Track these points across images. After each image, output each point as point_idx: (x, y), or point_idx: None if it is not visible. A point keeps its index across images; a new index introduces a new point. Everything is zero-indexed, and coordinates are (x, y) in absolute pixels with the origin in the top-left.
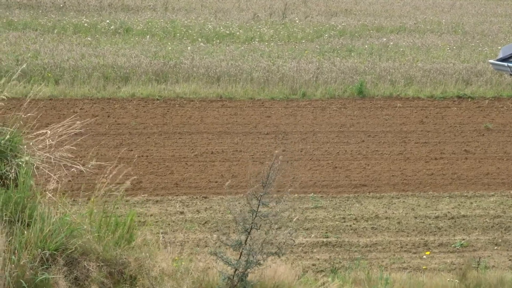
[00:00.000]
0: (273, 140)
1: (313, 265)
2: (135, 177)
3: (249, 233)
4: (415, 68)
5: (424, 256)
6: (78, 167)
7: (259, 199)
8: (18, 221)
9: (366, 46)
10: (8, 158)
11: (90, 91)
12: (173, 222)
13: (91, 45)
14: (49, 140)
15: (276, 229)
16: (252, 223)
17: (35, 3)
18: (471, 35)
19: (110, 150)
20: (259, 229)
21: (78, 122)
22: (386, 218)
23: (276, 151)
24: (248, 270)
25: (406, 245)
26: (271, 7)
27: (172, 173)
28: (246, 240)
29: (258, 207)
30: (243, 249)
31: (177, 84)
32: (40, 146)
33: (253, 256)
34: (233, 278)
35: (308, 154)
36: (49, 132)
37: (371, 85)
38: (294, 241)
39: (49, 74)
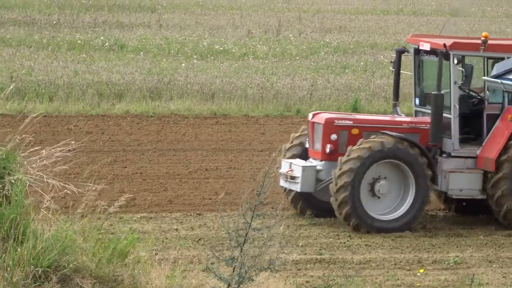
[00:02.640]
0: (268, 157)
1: (307, 282)
2: (130, 195)
3: (242, 247)
4: (409, 85)
5: (418, 274)
6: (70, 187)
7: (253, 209)
8: (11, 238)
9: (361, 63)
10: (2, 175)
11: (84, 108)
12: (167, 239)
13: (85, 62)
14: (43, 160)
15: (269, 245)
16: (246, 236)
17: (30, 20)
18: None
19: (104, 167)
20: (252, 242)
21: (72, 142)
22: (380, 235)
23: (274, 154)
24: (241, 285)
25: (400, 262)
26: (265, 24)
27: (166, 190)
28: (239, 255)
29: (252, 218)
30: (235, 264)
31: (171, 101)
32: (34, 164)
33: (246, 271)
34: None
35: None
36: (44, 152)
37: (366, 102)
38: (287, 255)
39: (43, 91)
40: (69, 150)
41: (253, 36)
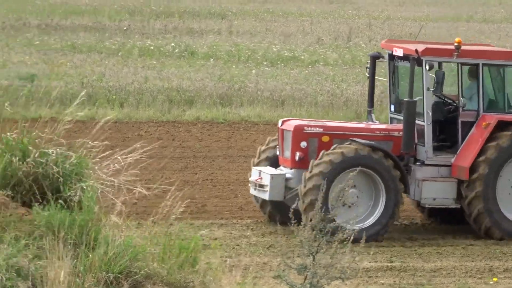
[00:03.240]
0: None
1: None
2: (199, 200)
3: (314, 256)
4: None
5: (491, 282)
6: (141, 190)
7: (326, 220)
8: (82, 244)
9: None
10: (73, 181)
11: (155, 114)
12: (238, 245)
13: (155, 68)
14: (114, 164)
15: (341, 253)
16: (318, 246)
17: (100, 26)
18: None
19: (174, 173)
20: (324, 252)
21: (142, 148)
22: (452, 243)
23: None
24: None
25: (471, 270)
26: (335, 31)
27: (236, 196)
28: (310, 264)
29: (325, 228)
30: (307, 272)
31: (241, 108)
32: (105, 170)
33: (317, 280)
34: None
35: None
36: (119, 157)
37: None
38: (358, 265)
39: (114, 97)
40: (140, 156)
41: (323, 43)
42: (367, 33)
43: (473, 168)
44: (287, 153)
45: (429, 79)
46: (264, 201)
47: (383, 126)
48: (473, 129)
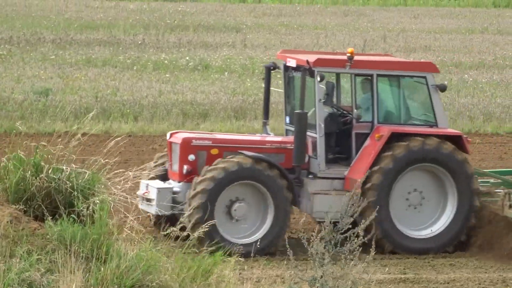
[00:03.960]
0: None
1: None
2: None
3: (324, 268)
4: (494, 104)
5: None
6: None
7: (337, 234)
8: (94, 257)
9: (445, 82)
10: (86, 196)
11: (169, 128)
12: (251, 258)
13: (170, 81)
14: (127, 181)
15: (353, 264)
16: (329, 257)
17: (115, 40)
18: None
19: None
20: (335, 263)
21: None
22: (464, 255)
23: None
24: None
25: (484, 281)
26: (350, 43)
27: None
28: (321, 276)
29: (337, 240)
30: (318, 284)
31: (255, 121)
32: (118, 186)
33: None
34: None
35: None
36: (130, 174)
37: (450, 121)
38: (370, 276)
39: (128, 111)
40: (152, 171)
41: None
42: (382, 45)
43: (366, 179)
44: (175, 167)
45: (321, 90)
46: (158, 216)
47: (276, 139)
48: (367, 141)
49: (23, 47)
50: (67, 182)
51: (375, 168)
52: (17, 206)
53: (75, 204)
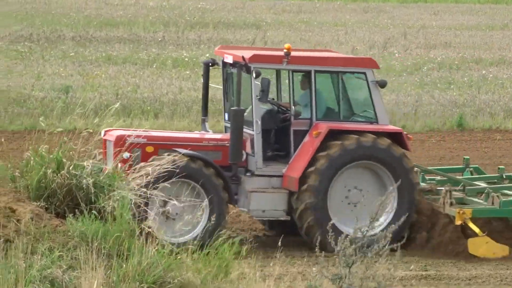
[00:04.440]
0: None
1: None
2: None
3: (350, 267)
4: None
5: None
6: (173, 202)
7: (364, 234)
8: (116, 254)
9: (466, 78)
10: (106, 192)
11: (189, 125)
12: (273, 254)
13: (190, 78)
14: (147, 176)
15: (376, 262)
16: (355, 256)
17: (135, 37)
18: None
19: None
20: (361, 263)
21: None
22: None
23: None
24: None
25: (506, 278)
26: (370, 40)
27: None
28: (347, 275)
29: (364, 242)
30: (342, 283)
31: None
32: (138, 181)
33: None
34: None
35: None
36: (149, 169)
37: (471, 118)
38: (394, 275)
39: (149, 108)
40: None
41: (358, 52)
42: (402, 42)
43: (303, 179)
44: (110, 164)
45: (257, 87)
46: None
47: (214, 136)
48: (305, 138)
49: (43, 45)
50: (88, 178)
51: (311, 169)
52: (38, 203)
53: (96, 200)
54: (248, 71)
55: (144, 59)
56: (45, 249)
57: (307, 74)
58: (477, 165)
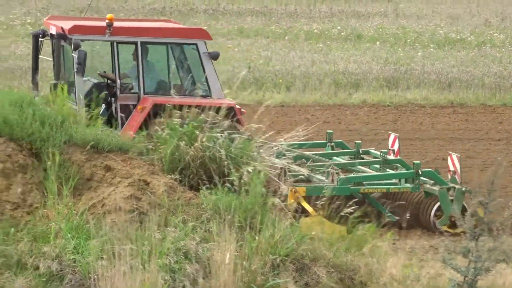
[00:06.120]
0: (505, 146)
1: None
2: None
3: (477, 240)
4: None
5: None
6: (305, 172)
7: (485, 206)
8: (248, 226)
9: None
10: (239, 164)
11: (321, 98)
12: (404, 227)
13: (322, 51)
14: (279, 147)
15: (504, 235)
16: (480, 229)
17: (267, 10)
18: None
19: None
20: (487, 235)
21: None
22: None
23: (499, 158)
24: (478, 277)
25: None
26: (503, 12)
27: None
28: (474, 247)
29: (485, 214)
30: (471, 257)
31: (408, 91)
32: (269, 152)
33: (481, 263)
34: (463, 285)
35: None
36: (283, 140)
37: None
38: None
39: (281, 81)
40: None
41: (490, 25)
42: None
43: None
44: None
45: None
46: None
47: None
48: (132, 113)
49: (175, 18)
50: (220, 150)
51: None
52: (172, 176)
53: (229, 173)
54: (70, 42)
55: (276, 32)
56: (178, 221)
57: (135, 46)
58: (341, 140)
